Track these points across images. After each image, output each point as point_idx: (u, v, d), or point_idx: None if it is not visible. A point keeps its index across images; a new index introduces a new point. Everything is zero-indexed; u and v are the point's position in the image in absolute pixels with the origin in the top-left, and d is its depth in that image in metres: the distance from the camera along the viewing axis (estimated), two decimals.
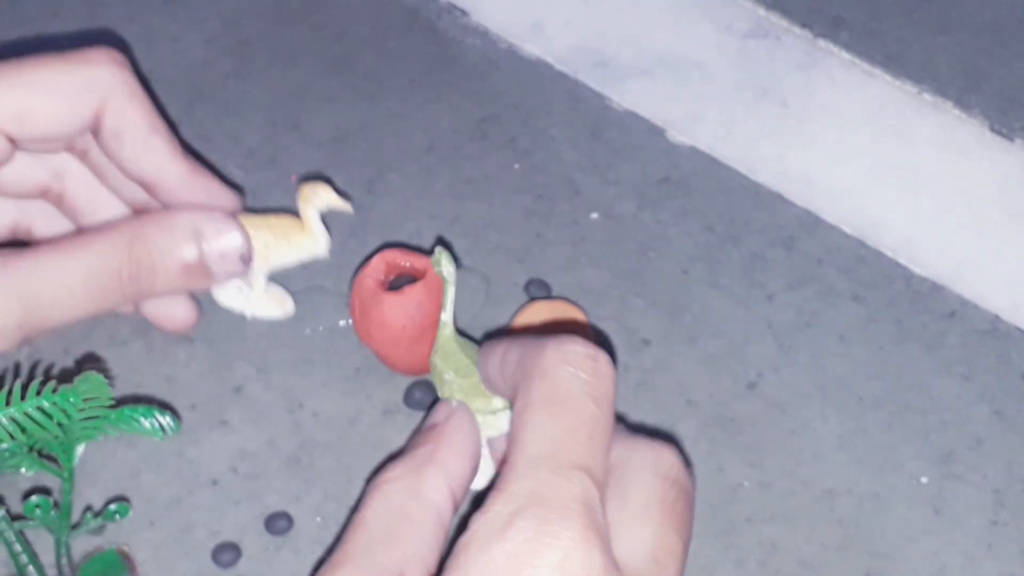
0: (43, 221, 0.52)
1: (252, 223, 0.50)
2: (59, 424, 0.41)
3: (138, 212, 0.51)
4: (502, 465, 0.37)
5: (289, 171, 0.61)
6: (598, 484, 0.36)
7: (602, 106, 0.65)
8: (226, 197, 0.51)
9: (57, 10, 0.68)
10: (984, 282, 0.58)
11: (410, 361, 0.52)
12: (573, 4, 0.70)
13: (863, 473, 0.52)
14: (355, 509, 0.40)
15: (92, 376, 0.41)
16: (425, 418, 0.45)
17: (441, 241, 0.59)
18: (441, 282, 0.49)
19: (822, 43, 0.68)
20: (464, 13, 0.69)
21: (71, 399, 0.41)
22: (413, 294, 0.50)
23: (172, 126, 0.49)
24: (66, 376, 0.51)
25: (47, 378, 0.48)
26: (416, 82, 0.66)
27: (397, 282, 0.52)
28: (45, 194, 0.51)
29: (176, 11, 0.68)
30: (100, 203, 0.51)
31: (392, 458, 0.43)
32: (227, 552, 0.49)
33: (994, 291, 0.58)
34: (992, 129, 0.64)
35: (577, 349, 0.39)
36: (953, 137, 0.64)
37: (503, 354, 0.42)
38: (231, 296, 0.52)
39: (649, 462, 0.40)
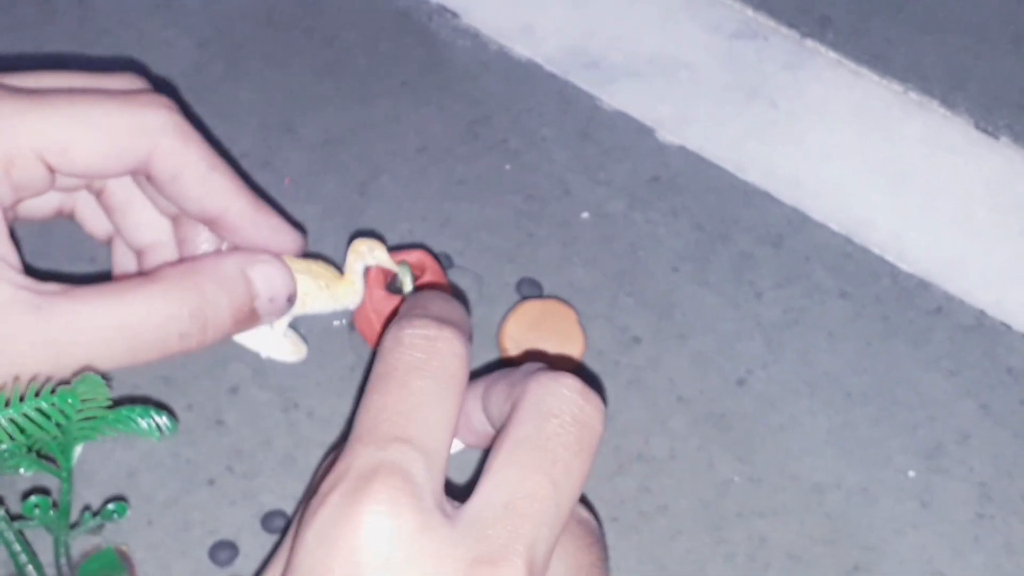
0: (85, 205, 0.51)
1: (295, 267, 0.50)
2: (57, 425, 0.41)
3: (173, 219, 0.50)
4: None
5: (283, 174, 0.62)
6: (423, 450, 0.36)
7: (592, 107, 0.66)
8: (289, 236, 0.49)
9: (51, 15, 0.68)
10: (970, 278, 0.59)
11: None
12: (563, 6, 0.70)
13: (851, 468, 0.53)
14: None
15: (90, 377, 0.42)
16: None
17: (424, 246, 0.59)
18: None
19: (809, 43, 0.68)
20: (455, 15, 0.69)
21: (69, 400, 0.41)
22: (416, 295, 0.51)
23: (232, 161, 0.49)
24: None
25: (45, 379, 0.48)
26: (407, 84, 0.66)
27: (394, 284, 0.52)
28: (88, 187, 0.50)
29: (169, 15, 0.69)
30: (136, 204, 0.50)
31: None
32: (224, 550, 0.50)
33: (980, 287, 0.59)
34: (977, 127, 0.65)
35: (414, 331, 0.39)
36: (939, 135, 0.65)
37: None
38: (249, 335, 0.50)
39: (534, 398, 0.38)
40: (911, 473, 0.53)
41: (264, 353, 0.50)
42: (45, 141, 0.45)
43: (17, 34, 0.67)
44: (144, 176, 0.47)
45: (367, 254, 0.51)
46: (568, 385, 0.38)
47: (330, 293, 0.50)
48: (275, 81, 0.66)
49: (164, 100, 0.47)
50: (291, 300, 0.48)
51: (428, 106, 0.65)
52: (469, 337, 0.41)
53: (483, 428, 0.41)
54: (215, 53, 0.67)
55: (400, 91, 0.66)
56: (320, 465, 0.41)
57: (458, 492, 0.41)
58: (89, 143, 0.45)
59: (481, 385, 0.41)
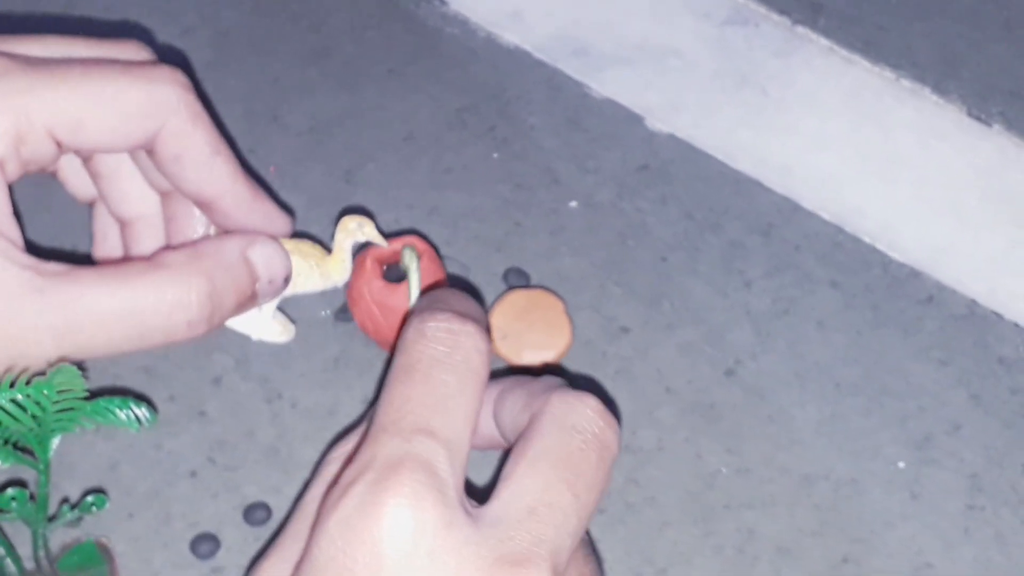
0: (70, 165, 0.50)
1: (289, 247, 0.49)
2: (33, 417, 0.41)
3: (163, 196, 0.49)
4: None
5: (268, 162, 0.61)
6: (446, 444, 0.36)
7: (581, 94, 0.65)
8: (280, 220, 0.49)
9: (36, 0, 0.68)
10: (961, 267, 0.59)
11: None
12: None
13: (841, 458, 0.53)
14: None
15: (66, 368, 0.41)
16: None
17: (416, 232, 0.59)
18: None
19: (800, 30, 0.68)
20: (443, 2, 0.69)
21: (45, 391, 0.40)
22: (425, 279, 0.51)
23: (230, 142, 0.48)
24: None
25: (21, 371, 0.48)
26: (395, 72, 0.66)
27: (388, 273, 0.52)
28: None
29: (153, 2, 0.68)
30: (124, 173, 0.49)
31: None
32: (206, 543, 0.49)
33: (971, 276, 0.58)
34: (970, 114, 0.64)
35: (436, 324, 0.39)
36: (931, 123, 0.64)
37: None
38: (239, 318, 0.50)
39: (557, 413, 0.38)
40: (901, 464, 0.53)
41: (255, 335, 0.50)
42: (58, 117, 0.43)
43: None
44: (146, 151, 0.46)
45: (356, 231, 0.50)
46: (591, 405, 0.38)
47: (320, 271, 0.49)
48: (260, 68, 0.65)
49: (178, 76, 0.46)
50: (287, 281, 0.48)
51: (415, 94, 0.65)
52: (489, 334, 0.40)
53: (489, 431, 0.41)
54: (200, 40, 0.67)
55: (387, 78, 0.65)
56: (323, 455, 0.41)
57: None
58: (101, 119, 0.44)
59: (494, 389, 0.41)
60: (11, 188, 0.44)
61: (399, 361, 0.38)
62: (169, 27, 0.67)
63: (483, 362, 0.38)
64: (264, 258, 0.46)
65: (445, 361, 0.38)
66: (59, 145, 0.44)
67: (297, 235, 0.50)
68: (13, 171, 0.44)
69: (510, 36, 0.67)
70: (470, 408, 0.37)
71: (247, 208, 0.47)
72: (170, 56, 0.66)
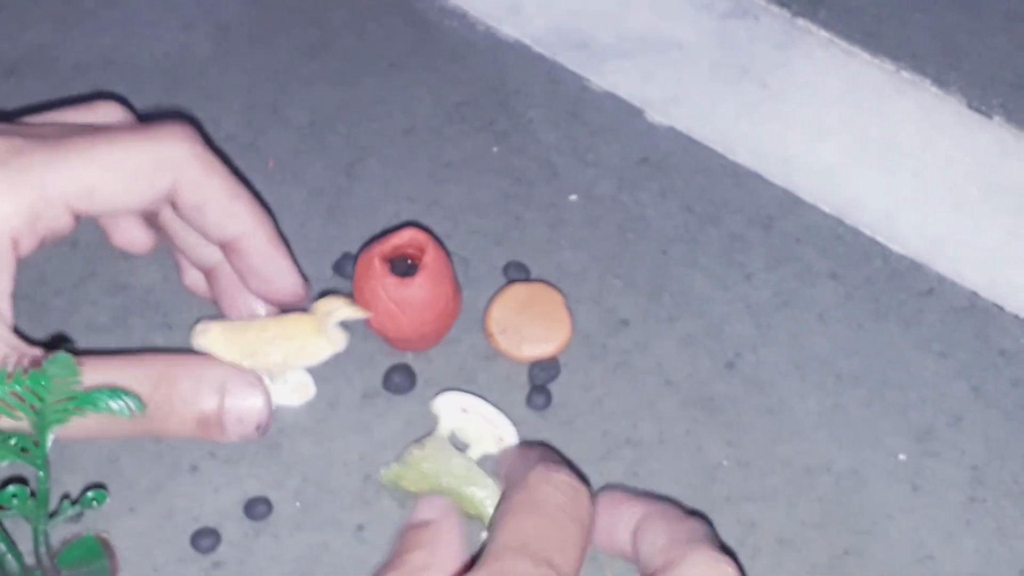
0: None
1: (273, 331, 0.50)
2: (32, 408, 0.41)
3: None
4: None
5: (268, 156, 0.61)
6: (567, 565, 0.40)
7: (581, 87, 0.65)
8: (294, 280, 0.52)
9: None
10: (962, 259, 0.59)
11: (438, 330, 0.54)
12: None
13: (841, 451, 0.53)
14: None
15: (62, 357, 0.41)
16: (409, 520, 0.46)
17: (417, 224, 0.59)
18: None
19: (801, 22, 0.68)
20: None
21: (43, 382, 0.41)
22: (430, 269, 0.52)
23: (216, 144, 0.49)
24: (38, 361, 0.51)
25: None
26: (394, 65, 0.65)
27: (396, 268, 0.52)
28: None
29: None
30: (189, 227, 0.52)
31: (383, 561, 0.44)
32: (206, 538, 0.49)
33: (972, 268, 0.58)
34: (970, 106, 0.64)
35: (562, 477, 0.43)
36: (931, 115, 0.64)
37: (510, 462, 0.47)
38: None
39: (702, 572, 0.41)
40: (902, 456, 0.53)
41: (273, 403, 0.50)
42: (71, 188, 0.47)
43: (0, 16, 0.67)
44: (171, 205, 0.49)
45: (329, 316, 0.51)
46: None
47: (307, 352, 0.51)
48: (260, 62, 0.65)
49: (184, 131, 0.49)
50: (262, 426, 0.50)
51: (415, 87, 0.65)
52: None
53: (622, 545, 0.45)
54: (200, 34, 0.66)
55: (387, 72, 0.65)
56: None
57: None
58: (113, 184, 0.48)
59: (640, 508, 0.45)
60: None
61: (523, 497, 0.42)
62: (169, 21, 0.67)
63: (592, 520, 0.43)
64: (233, 385, 0.49)
65: (567, 510, 0.42)
66: (75, 214, 0.47)
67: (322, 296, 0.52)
68: (28, 246, 0.47)
69: (509, 29, 0.67)
70: (581, 554, 0.42)
71: (268, 254, 0.50)
72: (170, 58, 0.66)
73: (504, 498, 0.44)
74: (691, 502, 0.51)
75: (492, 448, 0.50)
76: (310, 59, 0.66)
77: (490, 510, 0.47)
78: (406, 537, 0.44)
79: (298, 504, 0.51)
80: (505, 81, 0.65)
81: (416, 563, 0.42)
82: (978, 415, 0.54)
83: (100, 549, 0.48)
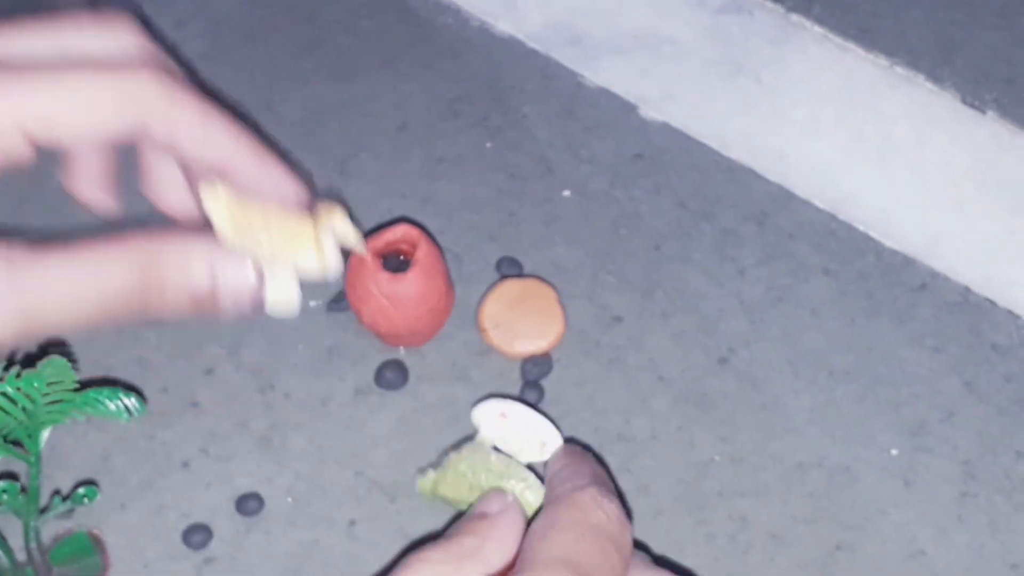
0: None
1: (273, 221, 0.48)
2: (23, 409, 0.41)
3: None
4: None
5: None
6: None
7: (575, 83, 0.65)
8: (293, 186, 0.48)
9: None
10: (955, 255, 0.58)
11: (431, 325, 0.54)
12: None
13: (834, 446, 0.53)
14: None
15: (56, 360, 0.41)
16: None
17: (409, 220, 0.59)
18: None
19: (795, 17, 0.68)
20: None
21: (35, 384, 0.41)
22: (422, 265, 0.52)
23: (230, 106, 0.48)
24: (30, 361, 0.51)
25: (10, 363, 0.48)
26: (388, 62, 0.65)
27: (387, 263, 0.52)
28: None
29: None
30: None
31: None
32: (198, 534, 0.49)
33: (965, 263, 0.58)
34: (964, 102, 0.64)
35: (615, 509, 0.43)
36: (925, 110, 0.64)
37: (559, 466, 0.47)
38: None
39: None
40: (894, 451, 0.53)
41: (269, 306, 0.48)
42: (26, 113, 0.45)
43: None
44: (146, 140, 0.46)
45: (334, 225, 0.49)
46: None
47: (295, 255, 0.48)
48: (254, 59, 0.65)
49: (150, 65, 0.47)
50: (257, 300, 0.47)
51: (409, 83, 0.65)
52: None
53: None
54: (193, 31, 0.66)
55: (381, 68, 0.65)
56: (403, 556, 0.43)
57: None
58: (73, 112, 0.45)
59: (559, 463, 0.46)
60: None
61: (575, 516, 0.42)
62: (163, 18, 0.67)
63: (631, 551, 0.43)
64: (223, 260, 0.46)
65: (615, 542, 0.42)
66: (32, 142, 0.45)
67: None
68: None
69: (503, 25, 0.67)
70: (616, 567, 0.42)
71: (256, 170, 0.47)
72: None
73: (551, 505, 0.44)
74: (683, 498, 0.51)
75: (536, 455, 0.49)
76: (303, 56, 0.66)
77: (531, 500, 0.47)
78: (462, 523, 0.44)
79: (290, 500, 0.51)
80: (499, 77, 0.65)
81: (464, 548, 0.42)
82: (971, 410, 0.54)
83: (91, 545, 0.48)
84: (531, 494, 0.46)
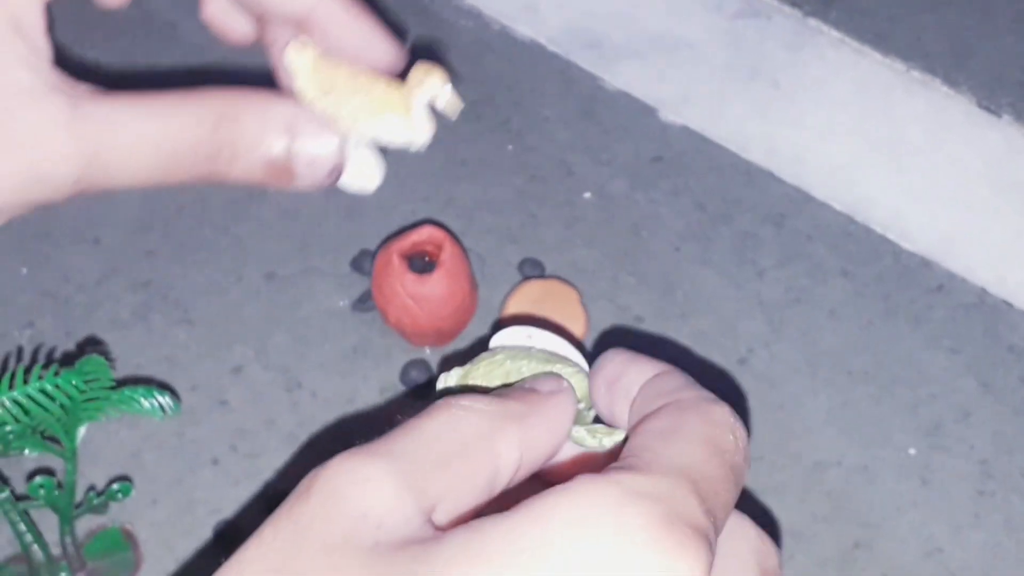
0: None
1: (362, 84, 0.44)
2: (61, 406, 0.42)
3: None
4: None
5: None
6: (715, 526, 0.35)
7: (594, 87, 0.66)
8: (384, 46, 0.42)
9: None
10: (971, 256, 0.59)
11: (455, 326, 0.54)
12: None
13: (852, 446, 0.53)
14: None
15: (93, 359, 0.42)
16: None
17: (430, 222, 0.59)
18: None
19: (812, 22, 0.68)
20: None
21: (73, 381, 0.42)
22: (448, 266, 0.53)
23: None
24: (68, 359, 0.52)
25: (49, 361, 0.49)
26: (409, 64, 0.66)
27: (413, 265, 0.53)
28: None
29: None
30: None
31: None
32: (228, 529, 0.50)
33: (981, 265, 0.59)
34: (980, 105, 0.65)
35: (745, 438, 0.38)
36: (941, 114, 0.65)
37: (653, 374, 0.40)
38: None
39: (754, 548, 0.37)
40: (912, 451, 0.53)
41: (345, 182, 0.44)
42: None
43: None
44: None
45: (428, 85, 0.44)
46: (776, 559, 0.37)
47: (381, 121, 0.43)
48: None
49: None
50: (336, 171, 0.41)
51: None
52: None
53: (619, 408, 0.37)
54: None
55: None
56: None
57: None
58: None
59: (651, 368, 0.37)
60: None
61: (705, 431, 0.35)
62: (189, 22, 0.68)
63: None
64: (303, 126, 0.40)
65: (737, 473, 0.36)
66: None
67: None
68: None
69: (524, 29, 0.68)
70: (728, 513, 0.37)
71: (346, 23, 0.42)
72: (188, 58, 0.66)
73: (676, 409, 0.35)
74: None
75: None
76: None
77: (578, 384, 0.38)
78: (508, 390, 0.37)
79: None
80: (520, 81, 0.66)
81: (509, 410, 0.35)
82: (987, 410, 0.54)
83: (124, 541, 0.49)
84: (578, 381, 0.39)
